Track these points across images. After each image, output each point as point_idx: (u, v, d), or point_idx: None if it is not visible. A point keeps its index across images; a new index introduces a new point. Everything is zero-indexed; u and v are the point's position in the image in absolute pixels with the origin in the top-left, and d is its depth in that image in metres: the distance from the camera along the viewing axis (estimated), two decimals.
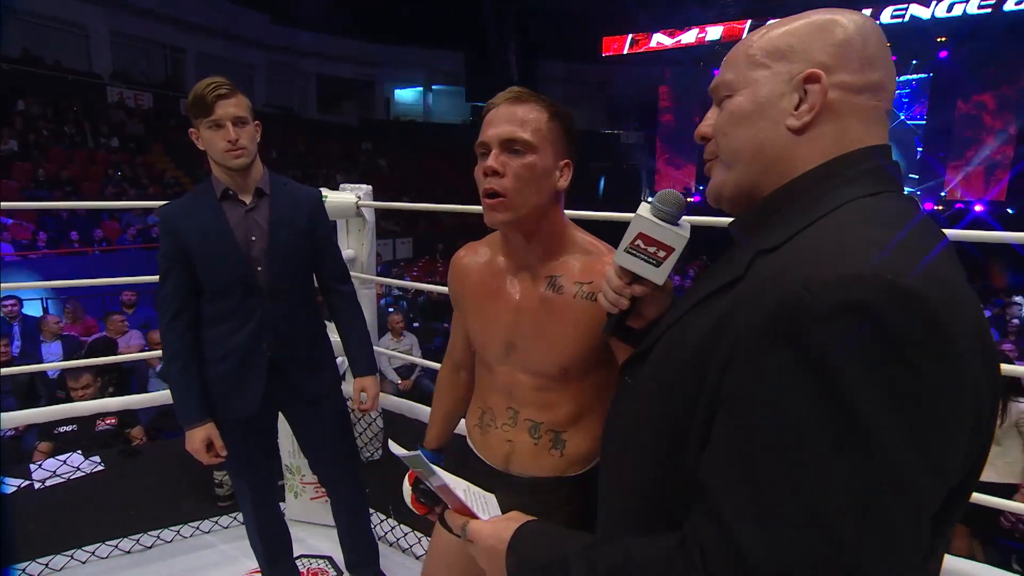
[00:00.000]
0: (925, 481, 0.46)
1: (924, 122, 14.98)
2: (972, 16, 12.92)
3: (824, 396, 0.44)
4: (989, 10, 12.68)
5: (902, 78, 14.58)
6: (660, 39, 16.76)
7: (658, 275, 0.74)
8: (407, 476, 1.17)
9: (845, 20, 0.59)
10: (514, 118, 0.93)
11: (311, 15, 17.22)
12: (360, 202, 2.24)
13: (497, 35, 18.10)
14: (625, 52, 17.19)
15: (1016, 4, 12.28)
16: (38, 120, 11.20)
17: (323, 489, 2.17)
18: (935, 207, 14.06)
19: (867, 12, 13.50)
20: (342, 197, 2.20)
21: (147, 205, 2.35)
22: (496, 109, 0.95)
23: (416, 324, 6.41)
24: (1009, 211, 13.21)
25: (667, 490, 0.60)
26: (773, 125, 0.60)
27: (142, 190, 10.97)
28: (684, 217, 0.77)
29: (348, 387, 1.83)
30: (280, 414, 1.72)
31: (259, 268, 1.49)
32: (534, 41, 18.27)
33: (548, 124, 0.95)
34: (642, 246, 0.74)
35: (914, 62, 14.66)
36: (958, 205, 13.92)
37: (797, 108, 0.59)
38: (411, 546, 2.10)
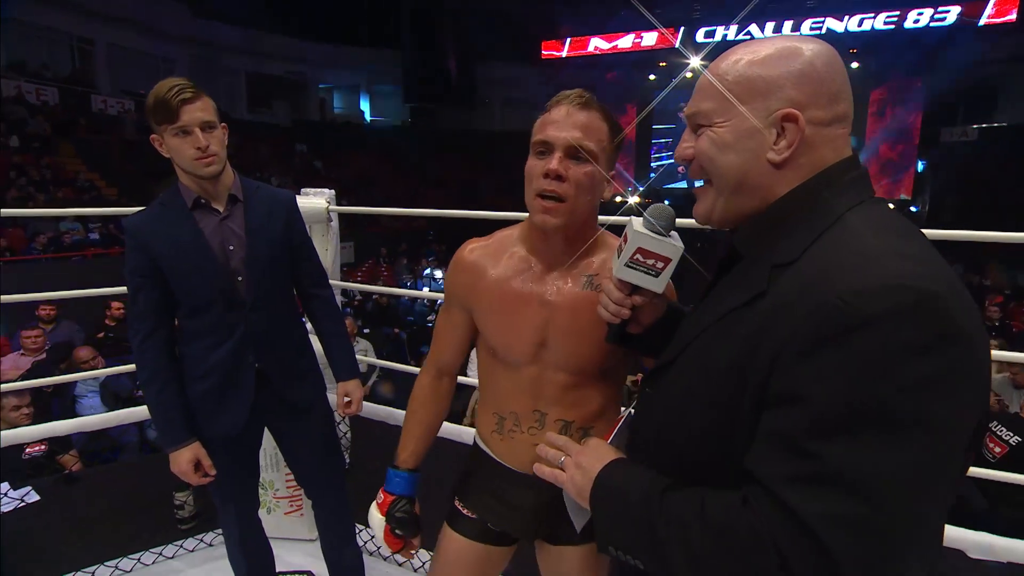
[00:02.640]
0: (960, 455, 0.55)
1: None
2: (879, 31, 14.46)
3: (871, 383, 0.51)
4: (892, 26, 14.29)
5: None
6: (598, 43, 17.26)
7: (657, 284, 0.81)
8: (376, 504, 1.13)
9: (810, 53, 0.65)
10: (580, 124, 0.93)
11: (236, 9, 16.42)
12: (331, 207, 2.16)
13: (436, 36, 17.93)
14: (564, 55, 17.51)
15: (915, 22, 14.04)
16: None
17: (297, 503, 2.12)
18: None
19: (789, 24, 14.76)
20: (312, 202, 2.12)
21: (98, 212, 2.17)
22: (560, 109, 0.95)
23: (366, 331, 6.25)
24: (912, 208, 14.41)
25: (704, 482, 0.65)
26: (754, 157, 0.66)
27: (50, 195, 10.05)
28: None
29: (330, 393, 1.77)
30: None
31: (239, 279, 1.42)
32: (474, 42, 18.24)
33: (608, 135, 0.96)
34: (641, 259, 0.80)
35: None
36: None
37: (776, 143, 0.65)
38: (393, 554, 2.03)
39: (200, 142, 1.32)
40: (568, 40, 17.45)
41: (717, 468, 0.65)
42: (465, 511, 1.15)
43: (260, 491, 2.07)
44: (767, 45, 0.67)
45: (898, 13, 14.18)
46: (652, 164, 18.03)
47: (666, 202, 0.86)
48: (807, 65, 0.64)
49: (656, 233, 0.79)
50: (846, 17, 14.57)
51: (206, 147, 1.33)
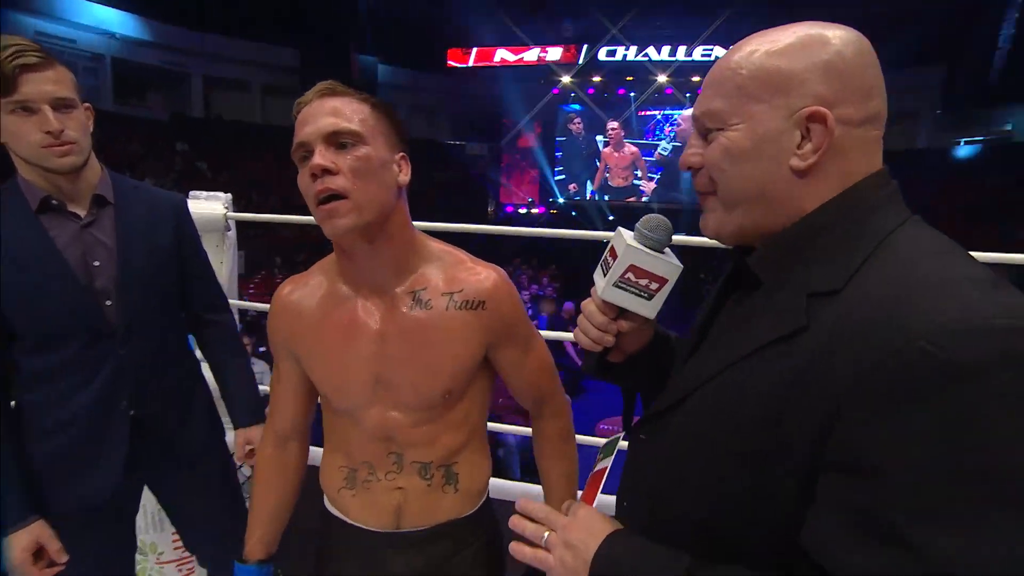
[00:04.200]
0: None
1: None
2: None
3: (984, 451, 0.43)
4: None
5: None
6: (504, 55, 17.34)
7: (650, 308, 0.71)
8: None
9: (838, 41, 0.56)
10: (332, 110, 0.82)
11: None
12: (229, 213, 1.79)
13: (337, 36, 17.16)
14: (470, 64, 17.46)
15: None
16: None
17: (188, 568, 1.73)
18: None
19: (682, 48, 15.84)
20: (206, 207, 1.74)
21: None
22: (309, 106, 0.84)
23: (263, 349, 5.63)
24: None
25: (724, 553, 0.57)
26: (775, 165, 0.57)
27: None
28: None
29: (230, 435, 1.46)
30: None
31: (108, 303, 1.12)
32: (377, 45, 17.66)
33: (372, 114, 0.85)
34: (633, 279, 0.69)
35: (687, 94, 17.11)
36: None
37: (799, 147, 0.56)
38: None
39: (50, 124, 1.03)
40: (474, 50, 17.39)
41: (742, 540, 0.56)
42: None
43: (138, 558, 1.66)
44: (787, 32, 0.58)
45: None
46: (554, 177, 18.44)
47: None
48: (835, 55, 0.55)
49: (651, 248, 0.69)
50: (731, 46, 15.83)
51: (59, 131, 1.04)
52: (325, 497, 1.01)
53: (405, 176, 0.88)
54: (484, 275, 0.92)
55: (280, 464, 1.03)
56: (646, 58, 16.50)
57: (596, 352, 0.76)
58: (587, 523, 0.64)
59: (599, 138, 17.66)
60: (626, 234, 0.71)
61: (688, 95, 16.77)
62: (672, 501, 0.63)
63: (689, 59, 16.12)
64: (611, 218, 16.84)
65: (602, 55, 16.74)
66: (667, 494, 0.64)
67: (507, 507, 0.77)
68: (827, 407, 0.49)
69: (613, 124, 17.25)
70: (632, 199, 17.54)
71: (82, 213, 1.12)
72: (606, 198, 17.70)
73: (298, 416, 1.02)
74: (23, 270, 1.07)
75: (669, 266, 0.69)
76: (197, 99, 17.84)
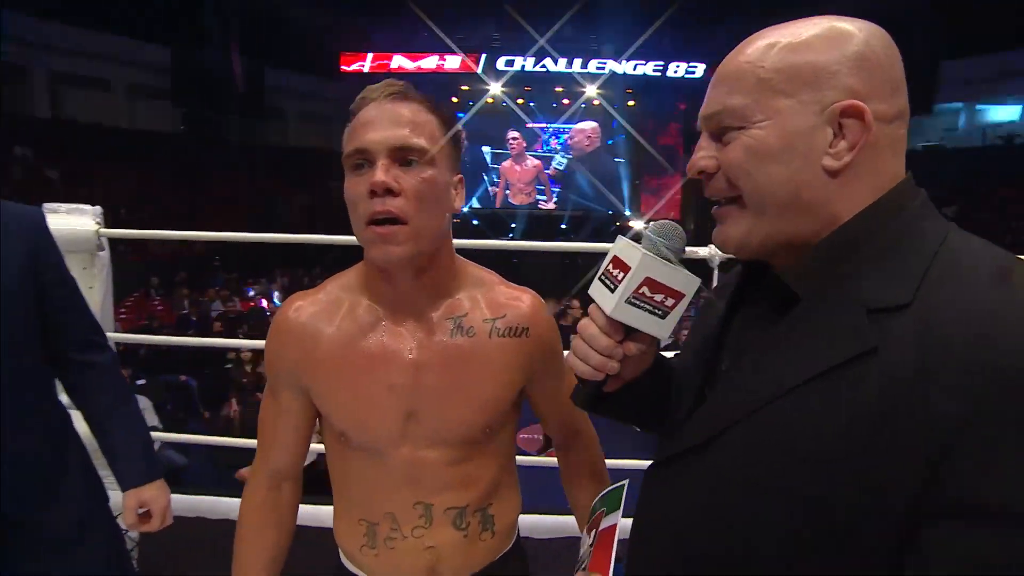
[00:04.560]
0: None
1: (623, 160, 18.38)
2: (649, 76, 17.20)
3: None
4: (659, 73, 17.09)
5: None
6: (401, 62, 16.87)
7: (664, 328, 0.63)
8: None
9: (864, 33, 0.54)
10: (402, 119, 0.75)
11: None
12: (101, 230, 1.43)
13: (215, 34, 15.80)
14: (366, 71, 16.83)
15: (674, 72, 17.12)
16: None
17: None
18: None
19: (578, 61, 16.48)
20: (73, 223, 1.38)
21: None
22: (376, 106, 0.76)
23: (142, 381, 4.94)
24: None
25: None
26: (808, 165, 0.54)
27: None
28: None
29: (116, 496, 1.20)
30: None
31: None
32: (263, 47, 16.45)
33: (441, 129, 0.79)
34: (648, 294, 0.61)
35: (615, 106, 17.89)
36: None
37: (832, 145, 0.53)
38: None
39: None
40: (370, 55, 16.77)
41: None
42: None
43: None
44: (806, 25, 0.54)
45: (663, 63, 16.91)
46: None
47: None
48: (864, 46, 0.53)
49: (667, 260, 0.62)
50: (623, 61, 16.78)
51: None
52: (342, 555, 0.93)
53: (460, 202, 0.83)
54: (524, 299, 0.88)
55: (273, 509, 0.93)
56: (544, 70, 16.89)
57: (595, 382, 0.66)
58: None
59: (485, 149, 17.60)
60: (630, 244, 0.64)
61: (583, 106, 17.40)
62: (704, 557, 0.57)
63: (585, 71, 16.75)
64: (513, 225, 16.98)
65: (500, 64, 16.90)
66: (700, 549, 0.57)
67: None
68: (930, 444, 0.44)
69: (514, 133, 17.39)
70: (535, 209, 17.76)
71: None
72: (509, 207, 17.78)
73: (298, 455, 0.93)
74: None
75: (687, 279, 0.62)
76: (41, 97, 15.55)
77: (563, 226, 16.76)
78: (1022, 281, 0.47)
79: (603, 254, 0.66)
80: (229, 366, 5.29)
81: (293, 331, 0.85)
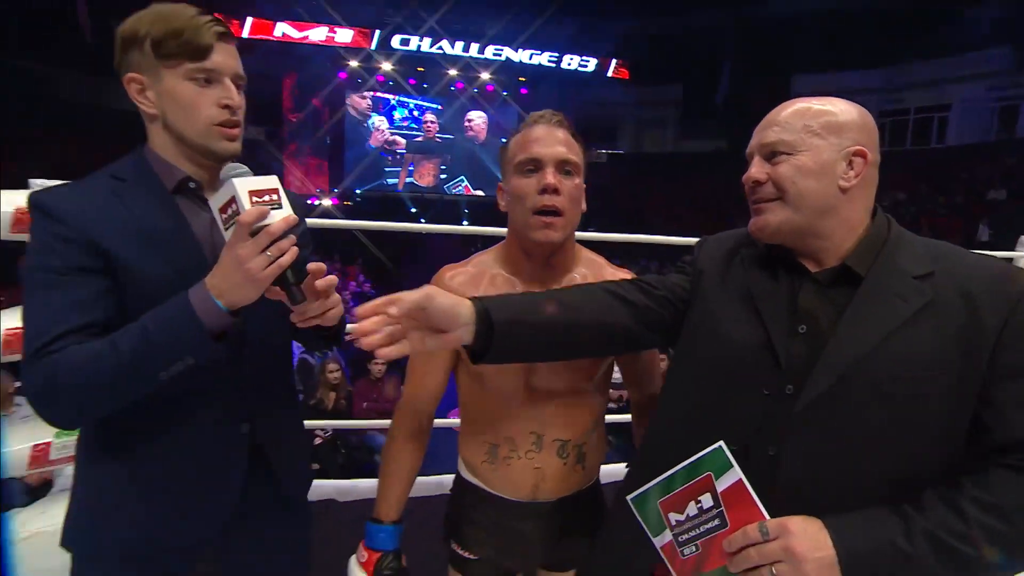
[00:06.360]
0: None
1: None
2: (543, 66, 17.62)
3: None
4: (554, 64, 17.64)
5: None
6: (286, 30, 15.48)
7: (285, 211, 0.81)
8: (358, 563, 1.03)
9: (863, 112, 0.85)
10: (563, 140, 1.00)
11: None
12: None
13: None
14: (244, 37, 15.23)
15: (568, 64, 17.79)
16: None
17: None
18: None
19: (475, 46, 16.41)
20: None
21: None
22: (540, 128, 1.01)
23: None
24: None
25: (909, 487, 0.74)
26: (831, 183, 0.82)
27: None
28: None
29: None
30: None
31: None
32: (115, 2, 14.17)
33: (583, 152, 1.04)
34: (258, 200, 0.80)
35: (504, 92, 18.17)
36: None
37: (845, 173, 0.82)
38: None
39: (233, 98, 0.93)
40: (249, 20, 15.16)
41: (934, 473, 0.75)
42: (466, 554, 1.14)
43: None
44: (832, 101, 0.84)
45: (558, 54, 17.42)
46: (346, 168, 17.50)
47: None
48: (865, 117, 0.84)
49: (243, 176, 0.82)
50: (520, 50, 17.09)
51: (238, 107, 0.93)
52: (464, 468, 1.14)
53: (585, 206, 1.05)
54: (623, 276, 1.07)
55: (419, 435, 1.10)
56: (440, 51, 16.57)
57: (293, 291, 0.82)
58: (802, 533, 0.70)
59: (385, 128, 17.16)
60: (231, 181, 0.80)
61: (476, 91, 17.39)
62: (860, 471, 0.76)
63: (481, 56, 16.70)
64: (413, 210, 16.69)
65: (395, 43, 16.32)
66: (859, 466, 0.76)
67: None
68: (987, 342, 0.74)
69: (431, 116, 16.92)
70: (435, 195, 17.61)
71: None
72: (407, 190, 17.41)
73: (436, 394, 1.10)
74: (154, 250, 0.89)
75: (266, 179, 0.82)
76: None
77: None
78: (966, 250, 0.83)
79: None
80: None
81: (449, 292, 0.98)
